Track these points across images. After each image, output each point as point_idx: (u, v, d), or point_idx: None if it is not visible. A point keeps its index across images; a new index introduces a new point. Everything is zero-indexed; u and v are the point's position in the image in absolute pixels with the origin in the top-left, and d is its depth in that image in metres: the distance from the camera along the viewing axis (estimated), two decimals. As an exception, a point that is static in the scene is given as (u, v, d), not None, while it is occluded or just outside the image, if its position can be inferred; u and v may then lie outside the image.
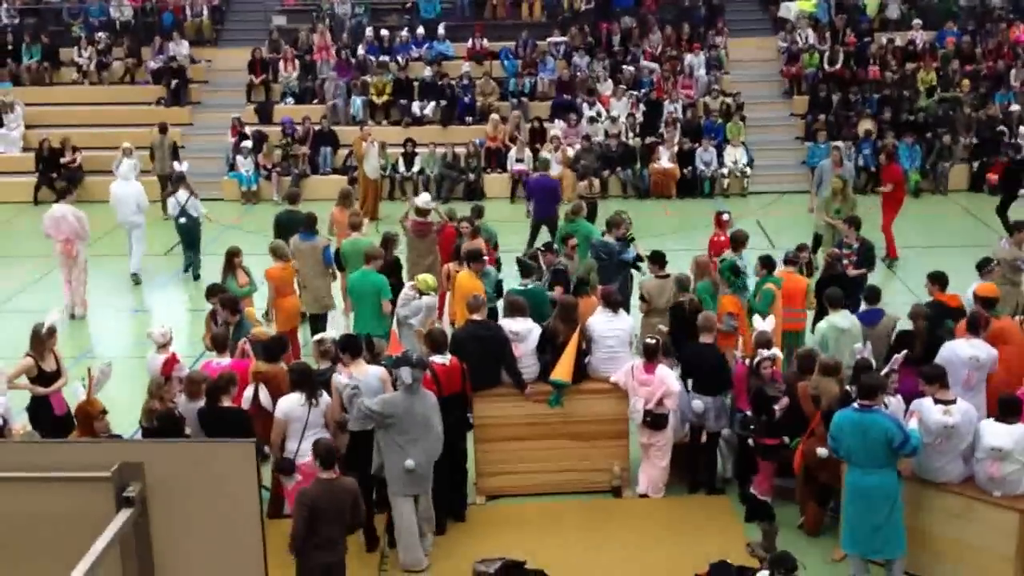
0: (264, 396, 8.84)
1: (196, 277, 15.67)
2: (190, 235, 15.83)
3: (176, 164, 18.50)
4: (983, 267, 11.00)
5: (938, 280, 10.53)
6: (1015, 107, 21.02)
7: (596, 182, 16.40)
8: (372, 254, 11.35)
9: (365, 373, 8.64)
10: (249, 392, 8.86)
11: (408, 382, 8.10)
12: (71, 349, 12.18)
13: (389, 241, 12.19)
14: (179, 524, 3.47)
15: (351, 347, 8.81)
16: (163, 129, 19.73)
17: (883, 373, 8.52)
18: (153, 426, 8.41)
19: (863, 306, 10.48)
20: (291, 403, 8.36)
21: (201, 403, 8.45)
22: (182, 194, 15.67)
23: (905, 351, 8.99)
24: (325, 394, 8.50)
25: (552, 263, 11.60)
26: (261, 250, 12.99)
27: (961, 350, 9.04)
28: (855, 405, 7.83)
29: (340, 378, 8.55)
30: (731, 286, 10.83)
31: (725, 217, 13.08)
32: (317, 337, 9.43)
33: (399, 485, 8.27)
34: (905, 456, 7.75)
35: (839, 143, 18.65)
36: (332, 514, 7.15)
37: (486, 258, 11.62)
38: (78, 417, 8.76)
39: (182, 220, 15.66)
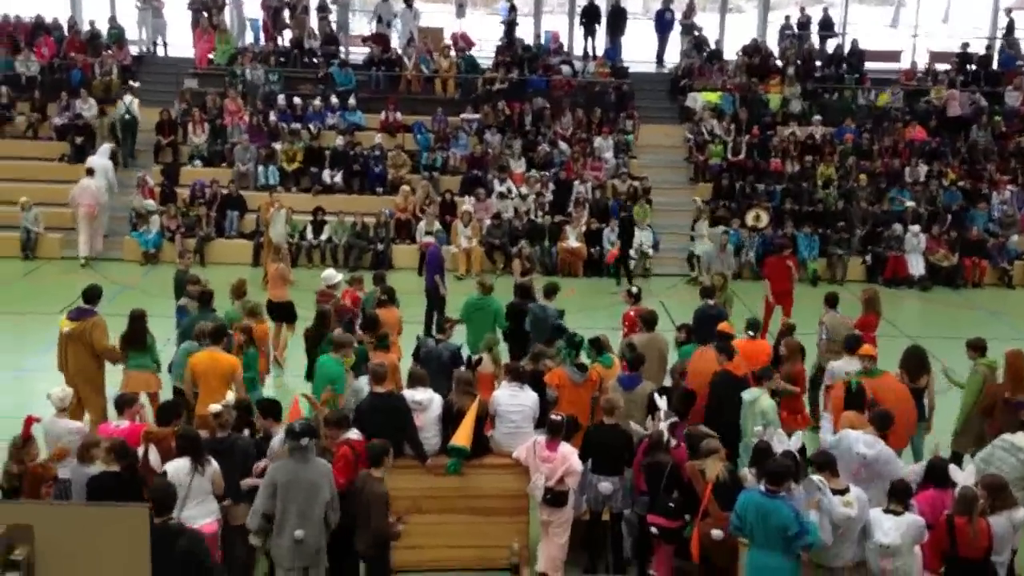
0: (154, 457, 8.57)
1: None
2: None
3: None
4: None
5: (724, 351, 10.62)
6: (910, 203, 21.95)
7: (527, 262, 15.71)
8: (204, 331, 10.65)
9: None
10: (139, 453, 8.59)
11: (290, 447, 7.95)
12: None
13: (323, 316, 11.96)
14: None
15: (272, 412, 8.99)
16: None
17: None
18: (10, 487, 8.07)
19: (623, 371, 10.42)
20: (175, 468, 8.15)
21: (94, 468, 8.16)
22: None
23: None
24: (213, 462, 8.26)
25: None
26: (160, 311, 13.01)
27: (855, 445, 8.96)
28: (761, 488, 7.90)
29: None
30: (564, 358, 10.60)
31: (634, 290, 13.33)
32: (214, 410, 9.01)
33: (285, 558, 7.99)
34: (800, 549, 7.78)
35: (723, 228, 19.01)
36: None
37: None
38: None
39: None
